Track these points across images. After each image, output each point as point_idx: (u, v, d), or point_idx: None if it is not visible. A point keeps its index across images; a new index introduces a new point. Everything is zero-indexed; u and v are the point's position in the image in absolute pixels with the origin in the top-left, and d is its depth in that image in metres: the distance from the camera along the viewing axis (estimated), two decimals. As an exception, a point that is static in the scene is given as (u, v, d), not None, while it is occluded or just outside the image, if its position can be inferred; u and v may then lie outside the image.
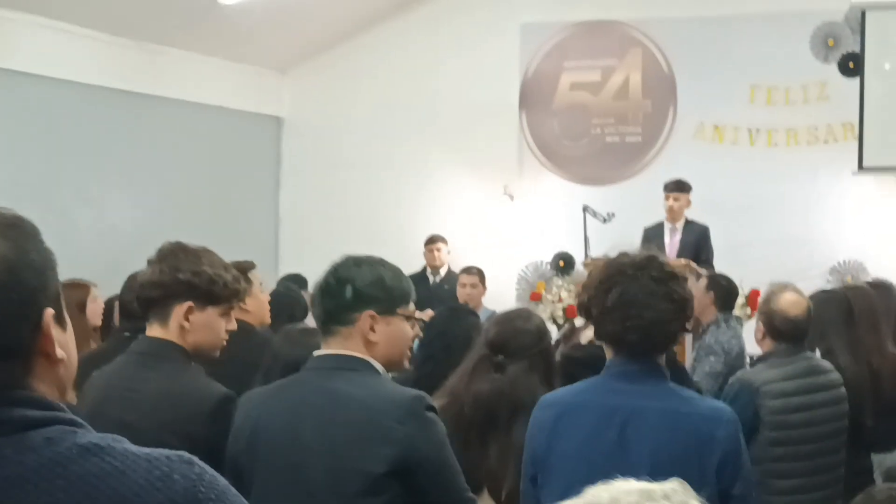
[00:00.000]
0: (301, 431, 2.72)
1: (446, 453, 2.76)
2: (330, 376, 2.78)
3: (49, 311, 1.34)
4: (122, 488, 1.27)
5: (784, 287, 4.54)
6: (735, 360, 5.88)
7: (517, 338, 3.63)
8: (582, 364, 4.00)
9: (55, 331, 1.34)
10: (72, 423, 1.32)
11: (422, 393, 2.83)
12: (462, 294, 8.40)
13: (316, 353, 2.88)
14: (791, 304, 4.39)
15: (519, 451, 3.36)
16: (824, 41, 9.90)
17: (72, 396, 1.43)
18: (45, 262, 1.36)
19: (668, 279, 2.86)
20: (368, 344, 2.81)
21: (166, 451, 1.34)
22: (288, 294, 5.79)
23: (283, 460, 2.72)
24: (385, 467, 2.63)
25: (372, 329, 2.80)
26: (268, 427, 2.78)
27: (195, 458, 1.36)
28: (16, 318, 1.30)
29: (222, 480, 1.36)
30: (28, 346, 1.31)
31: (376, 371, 2.81)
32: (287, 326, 4.34)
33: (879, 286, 5.59)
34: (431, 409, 2.76)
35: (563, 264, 10.34)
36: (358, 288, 2.81)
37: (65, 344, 1.37)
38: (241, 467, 2.75)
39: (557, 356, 4.22)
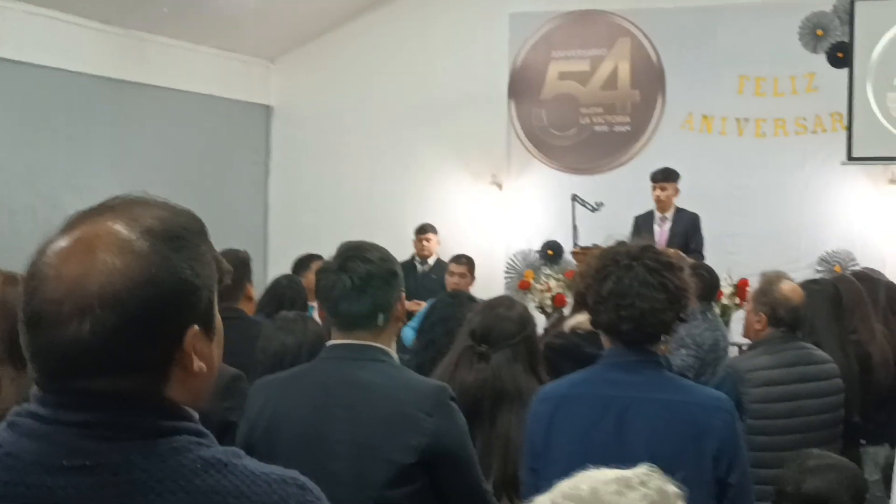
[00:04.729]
0: (326, 421, 2.67)
1: (469, 444, 2.76)
2: (353, 366, 2.73)
3: (193, 330, 1.33)
4: None
5: (779, 276, 4.54)
6: (707, 352, 5.80)
7: (500, 326, 3.58)
8: (561, 352, 4.00)
9: (200, 345, 1.34)
10: (198, 433, 1.34)
11: (444, 384, 2.81)
12: (451, 283, 8.26)
13: (331, 342, 2.82)
14: (791, 291, 4.42)
15: (504, 441, 3.35)
16: (813, 31, 9.90)
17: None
18: (200, 278, 1.34)
19: (663, 269, 2.84)
20: (396, 326, 2.81)
21: (280, 472, 1.37)
22: (290, 285, 5.74)
23: (307, 450, 2.66)
24: (414, 457, 2.60)
25: (400, 312, 2.82)
26: (289, 416, 2.73)
27: (308, 483, 1.39)
28: (153, 335, 1.29)
29: None
30: (165, 359, 1.31)
31: (394, 360, 2.77)
32: (282, 313, 4.31)
33: (865, 277, 5.57)
34: (454, 399, 2.75)
35: (552, 253, 10.34)
36: (397, 277, 2.78)
37: (209, 356, 1.37)
38: (257, 457, 2.72)
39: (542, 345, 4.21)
